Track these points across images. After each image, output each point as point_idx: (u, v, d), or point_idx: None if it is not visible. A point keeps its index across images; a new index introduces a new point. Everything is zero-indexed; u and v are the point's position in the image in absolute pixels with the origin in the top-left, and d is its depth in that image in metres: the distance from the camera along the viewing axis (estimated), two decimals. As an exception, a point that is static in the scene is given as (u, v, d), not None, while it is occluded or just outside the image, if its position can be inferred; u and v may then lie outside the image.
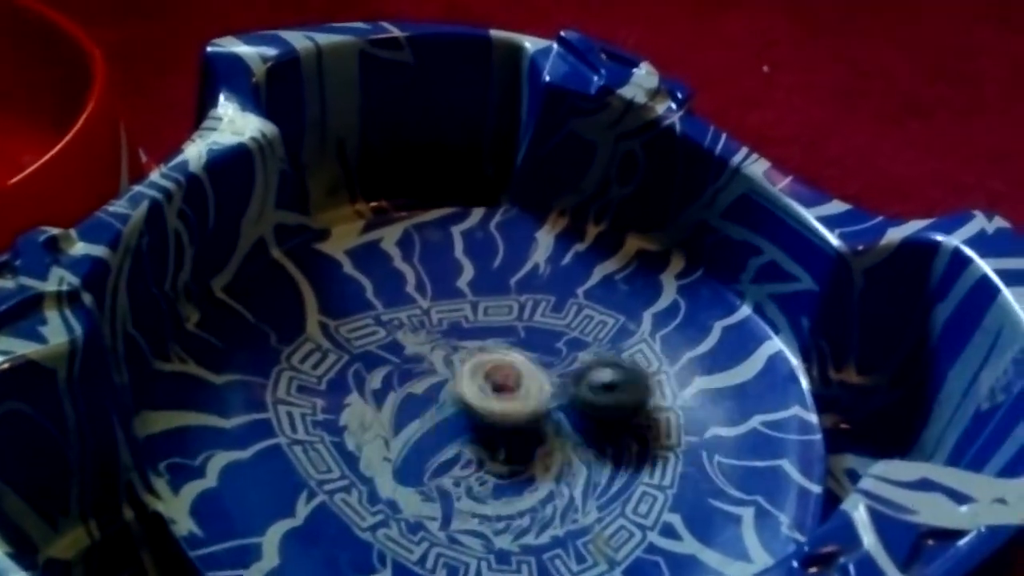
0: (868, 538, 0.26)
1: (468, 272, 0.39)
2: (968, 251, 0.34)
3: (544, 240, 0.40)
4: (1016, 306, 0.32)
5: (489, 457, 0.34)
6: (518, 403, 0.34)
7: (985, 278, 0.33)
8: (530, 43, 0.41)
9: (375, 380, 0.36)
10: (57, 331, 0.30)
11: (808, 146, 0.50)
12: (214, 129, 0.37)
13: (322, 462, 0.34)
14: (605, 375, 0.35)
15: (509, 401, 0.34)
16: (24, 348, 0.29)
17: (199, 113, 0.39)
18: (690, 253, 0.40)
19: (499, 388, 0.34)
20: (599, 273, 0.40)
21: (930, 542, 0.26)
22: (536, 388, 0.34)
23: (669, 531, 0.33)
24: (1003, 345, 0.32)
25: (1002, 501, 0.27)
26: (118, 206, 0.33)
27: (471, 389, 0.34)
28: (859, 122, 0.52)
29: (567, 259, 0.40)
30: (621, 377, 0.35)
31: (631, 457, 0.35)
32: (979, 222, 0.34)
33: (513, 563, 0.32)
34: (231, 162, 0.36)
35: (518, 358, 0.35)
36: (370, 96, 0.41)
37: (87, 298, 0.31)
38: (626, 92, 0.39)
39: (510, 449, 0.34)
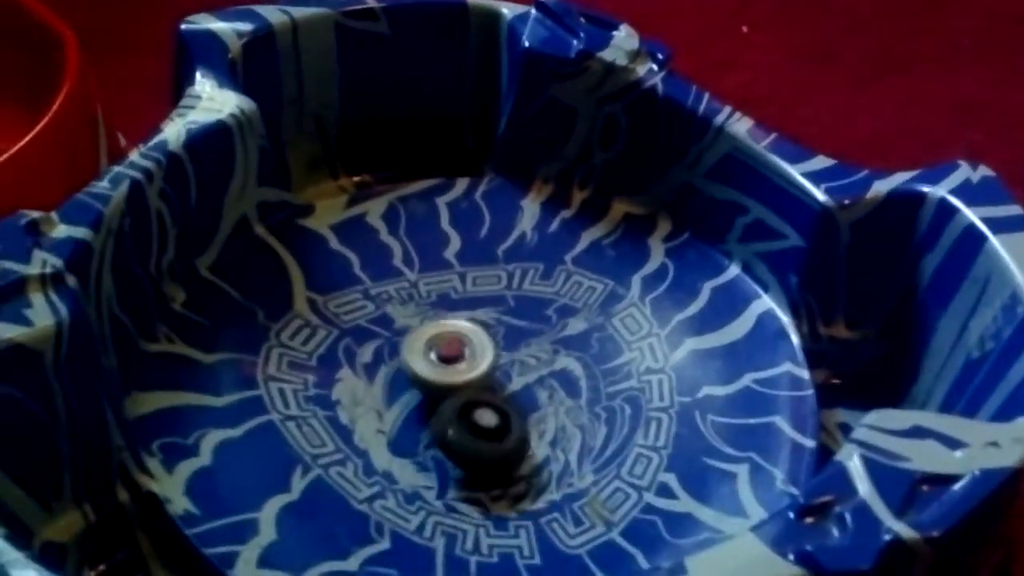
0: (863, 486, 0.27)
1: (455, 243, 0.39)
2: (954, 201, 0.34)
3: (530, 208, 0.40)
4: (1004, 253, 0.32)
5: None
6: (466, 371, 0.34)
7: (972, 227, 0.33)
8: (507, 9, 0.40)
9: (366, 354, 0.36)
10: (42, 313, 0.29)
11: (786, 106, 0.50)
12: (192, 107, 0.36)
13: (316, 437, 0.34)
14: (486, 417, 0.32)
15: (457, 371, 0.34)
16: (10, 332, 0.29)
17: (176, 92, 0.38)
18: (676, 215, 0.40)
19: (445, 359, 0.34)
20: (586, 239, 0.40)
21: (925, 488, 0.26)
22: (481, 353, 0.34)
23: (665, 491, 0.33)
24: (991, 293, 0.32)
25: (995, 444, 0.27)
26: (99, 187, 0.33)
27: (419, 363, 0.34)
28: (837, 79, 0.52)
29: (553, 226, 0.40)
30: (503, 422, 0.31)
31: (625, 420, 0.35)
32: (964, 172, 0.34)
33: (511, 528, 0.32)
34: (211, 140, 0.36)
35: (462, 325, 0.35)
36: (347, 69, 0.41)
37: (71, 280, 0.30)
38: (606, 55, 0.39)
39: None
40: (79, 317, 0.30)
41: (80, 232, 0.32)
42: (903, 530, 0.26)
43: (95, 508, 0.31)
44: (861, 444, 0.27)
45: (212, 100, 0.36)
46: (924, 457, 0.27)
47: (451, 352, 0.34)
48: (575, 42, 0.39)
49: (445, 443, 0.32)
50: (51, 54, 0.41)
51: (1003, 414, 0.29)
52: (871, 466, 0.27)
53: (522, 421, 0.33)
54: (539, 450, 0.34)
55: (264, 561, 0.30)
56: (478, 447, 0.32)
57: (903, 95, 0.51)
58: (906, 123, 0.50)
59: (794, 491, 0.32)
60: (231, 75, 0.37)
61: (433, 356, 0.34)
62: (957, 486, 0.26)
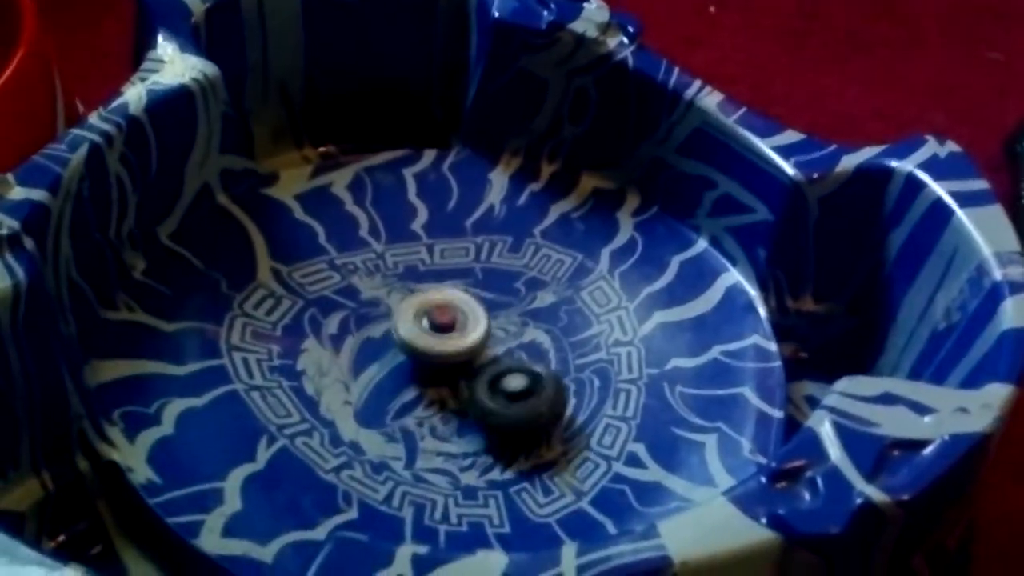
0: (834, 451, 0.27)
1: (422, 215, 0.39)
2: (922, 175, 0.34)
3: (498, 181, 0.40)
4: (970, 227, 0.32)
5: (451, 396, 0.34)
6: (457, 341, 0.33)
7: (939, 201, 0.33)
8: (477, -21, 0.40)
9: (331, 325, 0.35)
10: (-1, 275, 0.29)
11: (754, 86, 0.50)
12: (154, 71, 0.35)
13: (281, 407, 0.33)
14: (516, 381, 0.32)
15: (449, 340, 0.33)
16: (-36, 294, 0.28)
17: (136, 57, 0.37)
18: (645, 190, 0.39)
19: (438, 327, 0.34)
20: (555, 212, 0.39)
21: (895, 453, 0.26)
22: (474, 324, 0.34)
23: (634, 460, 0.33)
24: (958, 266, 0.33)
25: (964, 410, 0.27)
26: (56, 150, 0.32)
27: (411, 330, 0.33)
28: (803, 60, 0.52)
29: (522, 199, 0.40)
30: (534, 384, 0.32)
31: (593, 391, 0.35)
32: (932, 147, 0.35)
33: (480, 498, 0.32)
34: (172, 104, 0.35)
35: (456, 295, 0.35)
36: (313, 36, 0.40)
37: (28, 242, 0.30)
38: (577, 27, 0.38)
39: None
40: (36, 280, 0.29)
41: (37, 194, 0.31)
42: (874, 494, 0.26)
43: (54, 477, 0.30)
44: (832, 410, 0.28)
45: (174, 64, 0.35)
46: (894, 423, 0.27)
47: (444, 320, 0.33)
48: (545, 13, 0.39)
49: (484, 414, 0.32)
50: (7, 19, 0.40)
51: (970, 383, 0.30)
52: (842, 431, 0.27)
53: (554, 379, 0.33)
54: (508, 421, 0.33)
55: (229, 530, 0.29)
56: (510, 411, 0.32)
57: (868, 77, 0.51)
58: (870, 104, 0.50)
59: (762, 460, 0.32)
60: (194, 39, 0.37)
61: (425, 324, 0.34)
62: (927, 451, 0.26)
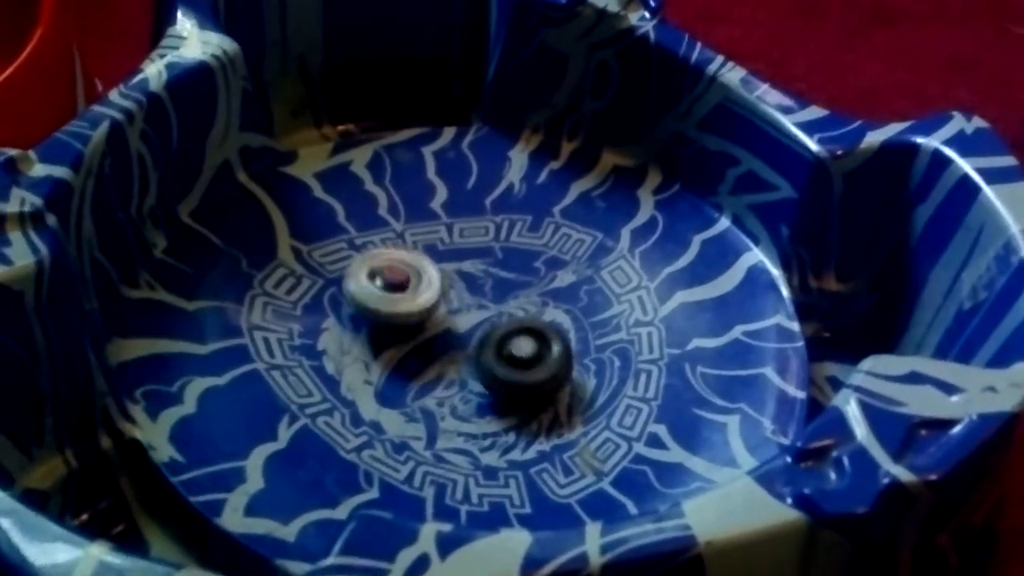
0: (860, 430, 0.26)
1: (442, 193, 0.39)
2: (948, 151, 0.34)
3: (518, 159, 0.40)
4: (998, 203, 0.32)
5: (472, 377, 0.34)
6: (409, 300, 0.33)
7: (966, 177, 0.33)
8: (497, -47, 0.40)
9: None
10: (22, 252, 0.29)
11: (775, 61, 0.50)
12: (173, 48, 0.35)
13: (302, 386, 0.33)
14: (524, 346, 0.32)
15: (401, 299, 0.33)
16: (-12, 271, 0.28)
17: (155, 33, 0.37)
18: (667, 167, 0.39)
19: (390, 286, 0.33)
20: (575, 191, 0.39)
21: (922, 432, 0.26)
22: (426, 284, 0.33)
23: (655, 441, 0.33)
24: (985, 243, 0.32)
25: (992, 389, 0.27)
26: (77, 126, 0.32)
27: (362, 288, 0.33)
28: (824, 35, 0.51)
29: (542, 177, 0.39)
30: (541, 350, 0.32)
31: (614, 372, 0.34)
32: (958, 123, 0.34)
33: (501, 478, 0.32)
34: (192, 80, 0.35)
35: (407, 255, 0.35)
36: (332, 12, 0.40)
37: (51, 219, 0.30)
38: (598, 0, 0.38)
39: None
40: (60, 257, 0.29)
41: (59, 171, 0.31)
42: (901, 473, 0.25)
43: (77, 455, 0.30)
44: (858, 389, 0.27)
45: (193, 40, 0.35)
46: (921, 402, 0.27)
47: (397, 278, 0.33)
48: (566, -14, 0.38)
49: (488, 377, 0.32)
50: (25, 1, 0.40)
51: (998, 362, 0.29)
52: (868, 411, 0.27)
53: (561, 344, 0.33)
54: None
55: (251, 509, 0.30)
56: (514, 376, 0.32)
57: (891, 52, 0.51)
58: (892, 80, 0.49)
59: (784, 441, 0.32)
60: (213, 15, 0.36)
61: (378, 283, 0.33)
62: (955, 430, 0.26)
